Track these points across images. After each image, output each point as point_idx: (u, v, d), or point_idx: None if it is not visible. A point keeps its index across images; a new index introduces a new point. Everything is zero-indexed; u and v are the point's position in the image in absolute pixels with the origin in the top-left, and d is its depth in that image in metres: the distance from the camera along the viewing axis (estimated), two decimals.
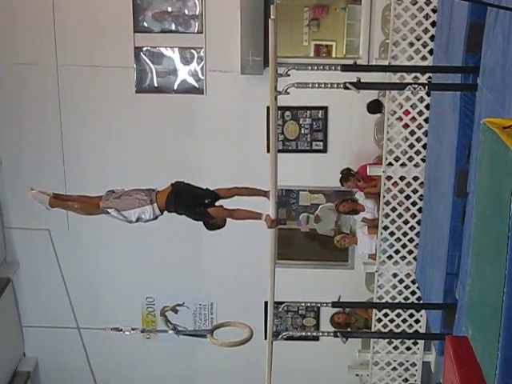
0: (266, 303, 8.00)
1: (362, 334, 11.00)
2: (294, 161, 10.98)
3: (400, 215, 10.15)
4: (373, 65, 10.32)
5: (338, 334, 7.77)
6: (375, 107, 10.52)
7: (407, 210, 10.11)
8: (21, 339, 12.79)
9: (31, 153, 11.52)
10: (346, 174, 10.69)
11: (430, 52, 9.27)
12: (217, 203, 6.85)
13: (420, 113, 9.59)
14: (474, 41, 6.44)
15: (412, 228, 10.14)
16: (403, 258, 10.37)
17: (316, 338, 11.93)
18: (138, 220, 6.86)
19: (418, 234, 9.96)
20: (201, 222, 6.97)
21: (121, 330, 7.28)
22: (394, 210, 10.14)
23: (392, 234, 10.28)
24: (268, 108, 6.23)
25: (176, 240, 11.66)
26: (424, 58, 9.42)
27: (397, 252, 10.36)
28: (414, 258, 10.12)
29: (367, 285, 11.37)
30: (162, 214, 6.88)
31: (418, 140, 9.75)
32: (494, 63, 5.78)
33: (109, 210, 6.81)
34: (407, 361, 11.06)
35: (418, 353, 10.96)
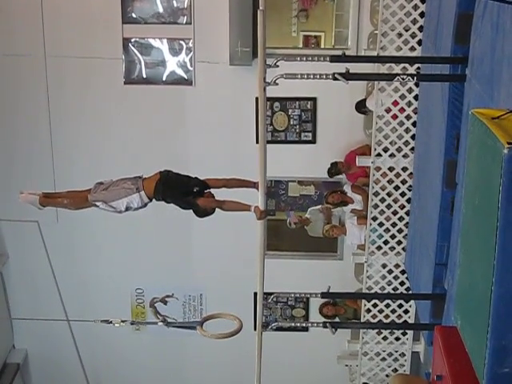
0: (255, 294, 7.98)
1: (351, 324, 11.00)
2: (282, 152, 10.99)
3: (389, 206, 10.17)
4: (361, 55, 10.33)
5: (328, 324, 7.78)
6: (361, 106, 10.57)
7: (396, 200, 10.12)
8: (10, 331, 12.77)
9: (19, 144, 11.47)
10: (335, 163, 10.72)
11: (419, 43, 9.27)
12: (206, 191, 6.85)
13: (409, 103, 9.60)
14: (463, 31, 6.44)
15: (401, 218, 10.16)
16: (392, 248, 10.40)
17: (305, 329, 11.97)
18: (127, 209, 6.84)
19: (406, 225, 9.99)
20: (190, 212, 6.96)
21: (110, 322, 7.26)
22: (382, 200, 10.15)
23: (381, 224, 10.30)
24: (257, 99, 6.24)
25: (165, 231, 11.66)
26: (413, 48, 9.42)
27: (386, 242, 10.38)
28: (403, 249, 10.16)
29: (356, 275, 11.39)
30: (150, 201, 6.87)
31: (407, 131, 9.77)
32: (483, 54, 5.79)
33: (97, 203, 6.81)
34: (396, 351, 11.10)
35: (407, 343, 11.00)
